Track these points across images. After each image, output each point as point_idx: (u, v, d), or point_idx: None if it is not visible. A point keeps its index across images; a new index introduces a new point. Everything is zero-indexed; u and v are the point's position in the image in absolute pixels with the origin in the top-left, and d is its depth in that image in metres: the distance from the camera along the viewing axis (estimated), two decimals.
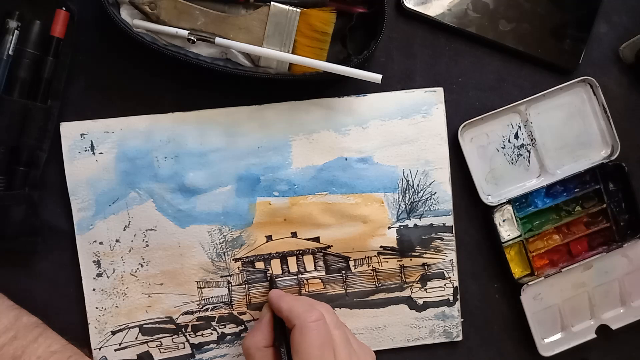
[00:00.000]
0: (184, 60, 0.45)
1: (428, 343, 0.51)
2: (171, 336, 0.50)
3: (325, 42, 0.46)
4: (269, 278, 0.50)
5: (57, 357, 0.44)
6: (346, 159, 0.50)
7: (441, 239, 0.51)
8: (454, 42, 0.51)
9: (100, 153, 0.48)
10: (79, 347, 0.47)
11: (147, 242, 0.49)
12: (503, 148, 0.52)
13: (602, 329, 0.52)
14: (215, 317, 0.50)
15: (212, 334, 0.50)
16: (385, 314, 0.51)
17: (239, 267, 0.50)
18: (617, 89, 0.53)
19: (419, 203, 0.51)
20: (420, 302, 0.51)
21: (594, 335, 0.52)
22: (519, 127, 0.52)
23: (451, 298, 0.51)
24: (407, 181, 0.50)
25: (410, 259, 0.51)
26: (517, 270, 0.52)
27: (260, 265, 0.50)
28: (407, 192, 0.50)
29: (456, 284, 0.51)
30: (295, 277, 0.50)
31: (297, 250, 0.50)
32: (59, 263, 0.49)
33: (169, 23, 0.45)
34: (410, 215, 0.51)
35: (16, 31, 0.45)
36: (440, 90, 0.50)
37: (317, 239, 0.50)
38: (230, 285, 0.50)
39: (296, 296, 0.49)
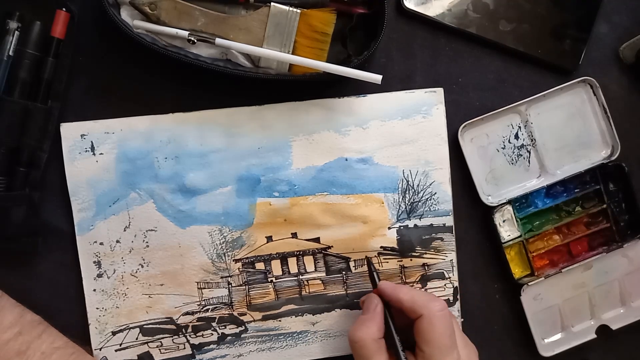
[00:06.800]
0: (184, 61, 0.45)
1: None
2: (171, 337, 0.50)
3: (326, 43, 0.46)
4: (369, 268, 0.48)
5: (60, 353, 0.45)
6: (346, 160, 0.50)
7: (441, 239, 0.51)
8: (454, 42, 0.51)
9: (101, 154, 0.48)
10: (80, 345, 0.47)
11: (147, 242, 0.49)
12: (503, 148, 0.52)
13: (602, 329, 0.52)
14: (215, 317, 0.50)
15: (212, 334, 0.50)
16: None
17: (239, 268, 0.50)
18: (617, 89, 0.53)
19: (419, 203, 0.51)
20: None
21: (594, 336, 0.52)
22: (519, 127, 0.52)
23: (451, 298, 0.51)
24: (407, 181, 0.50)
25: (411, 259, 0.51)
26: (517, 271, 0.52)
27: (260, 266, 0.50)
28: (407, 192, 0.50)
29: (456, 284, 0.51)
30: (296, 277, 0.50)
31: (297, 251, 0.50)
32: (60, 264, 0.49)
33: (169, 24, 0.45)
34: (411, 215, 0.51)
35: (16, 32, 0.45)
36: (440, 91, 0.50)
37: (317, 240, 0.50)
38: (230, 286, 0.50)
39: (408, 286, 0.48)
